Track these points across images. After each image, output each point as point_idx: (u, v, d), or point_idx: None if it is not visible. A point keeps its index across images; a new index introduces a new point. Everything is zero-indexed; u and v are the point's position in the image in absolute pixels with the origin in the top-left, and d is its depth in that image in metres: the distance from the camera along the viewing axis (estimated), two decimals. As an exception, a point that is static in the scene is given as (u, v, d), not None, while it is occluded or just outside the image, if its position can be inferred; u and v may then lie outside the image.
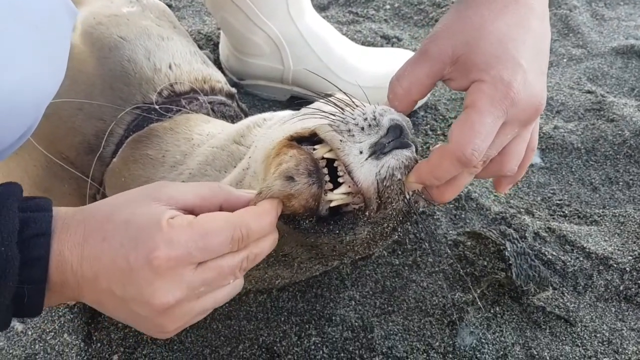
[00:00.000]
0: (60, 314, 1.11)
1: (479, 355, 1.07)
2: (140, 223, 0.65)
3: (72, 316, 1.12)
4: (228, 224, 0.67)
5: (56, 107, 1.06)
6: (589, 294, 1.15)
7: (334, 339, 1.10)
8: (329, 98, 0.83)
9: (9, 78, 0.64)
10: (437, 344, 1.08)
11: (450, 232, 1.23)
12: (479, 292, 1.13)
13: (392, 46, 1.71)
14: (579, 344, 1.09)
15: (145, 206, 0.67)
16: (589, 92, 1.58)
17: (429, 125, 1.46)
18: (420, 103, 1.49)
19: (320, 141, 0.76)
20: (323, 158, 0.75)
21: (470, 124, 0.70)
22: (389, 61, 1.49)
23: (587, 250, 1.20)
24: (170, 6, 1.81)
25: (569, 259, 1.19)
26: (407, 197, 0.79)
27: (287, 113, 0.92)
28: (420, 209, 0.91)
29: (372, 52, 1.53)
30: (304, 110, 0.85)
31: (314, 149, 0.76)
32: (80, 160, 1.07)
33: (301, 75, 1.49)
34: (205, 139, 1.02)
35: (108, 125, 1.06)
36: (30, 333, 1.09)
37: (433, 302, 1.13)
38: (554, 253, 1.19)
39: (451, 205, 1.28)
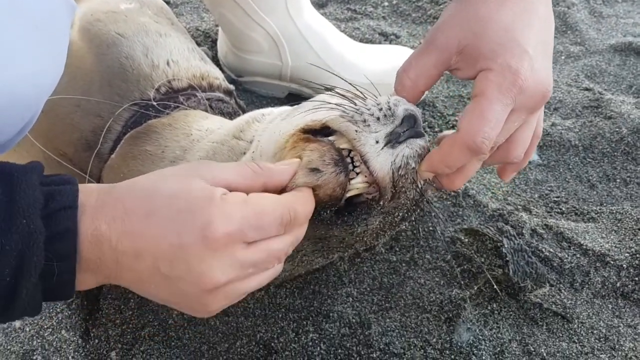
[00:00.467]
0: (58, 310, 1.12)
1: (475, 351, 1.07)
2: (190, 197, 0.63)
3: (69, 312, 1.12)
4: (280, 205, 0.67)
5: (54, 104, 1.06)
6: (585, 290, 1.15)
7: (332, 336, 1.10)
8: (336, 90, 0.83)
9: (8, 74, 0.63)
10: (434, 340, 1.09)
11: (448, 229, 1.23)
12: (476, 288, 1.13)
13: (390, 43, 1.71)
14: (576, 340, 1.09)
15: (192, 182, 0.65)
16: (586, 89, 1.58)
17: (427, 123, 1.46)
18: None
19: (331, 133, 0.77)
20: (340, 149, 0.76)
21: (480, 112, 0.71)
22: (387, 58, 1.49)
23: (584, 247, 1.20)
24: (168, 3, 1.81)
25: (566, 256, 1.19)
26: (420, 185, 0.80)
27: (286, 108, 0.93)
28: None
29: (370, 49, 1.53)
30: (306, 103, 0.85)
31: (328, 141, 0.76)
32: (78, 157, 1.07)
33: (299, 72, 1.49)
34: (205, 134, 1.03)
35: (106, 122, 1.06)
36: (28, 329, 1.09)
37: (430, 299, 1.14)
38: (551, 250, 1.19)
39: (449, 203, 1.28)
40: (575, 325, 1.11)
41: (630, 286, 1.16)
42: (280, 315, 1.13)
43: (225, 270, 0.64)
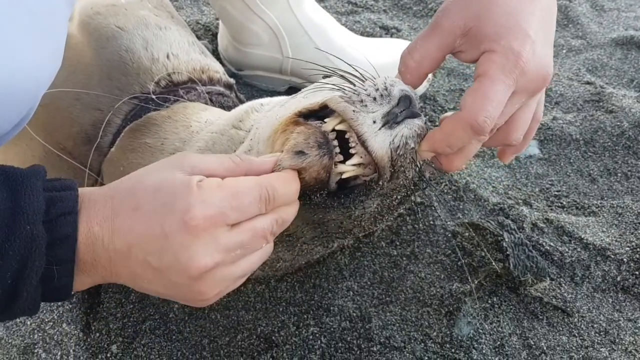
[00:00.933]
0: (59, 303, 1.12)
1: (476, 345, 1.07)
2: (170, 189, 0.65)
3: (70, 306, 1.12)
4: (256, 184, 0.68)
5: (54, 97, 1.05)
6: (586, 284, 1.15)
7: (332, 329, 1.10)
8: (336, 71, 0.84)
9: (4, 63, 0.63)
10: (435, 334, 1.09)
11: (449, 222, 1.23)
12: (476, 282, 1.13)
13: (391, 37, 1.70)
14: (576, 334, 1.10)
15: (171, 174, 0.67)
16: (588, 83, 1.58)
17: (427, 116, 1.46)
18: (418, 94, 1.49)
19: (327, 116, 0.77)
20: (333, 130, 0.76)
21: (483, 92, 0.72)
22: (388, 52, 1.48)
23: (585, 241, 1.20)
24: (168, -4, 1.80)
25: (567, 250, 1.19)
26: (419, 165, 0.81)
27: (285, 98, 0.93)
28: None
29: (371, 42, 1.52)
30: (305, 88, 0.85)
31: (323, 122, 0.76)
32: (78, 151, 1.07)
33: (300, 65, 1.49)
34: (204, 125, 1.02)
35: (105, 115, 1.06)
36: (29, 323, 1.09)
37: (431, 293, 1.14)
38: (551, 244, 1.19)
39: (449, 197, 1.28)
40: (576, 319, 1.11)
41: (630, 280, 1.16)
42: (281, 309, 1.13)
43: (210, 254, 0.65)
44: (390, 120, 0.76)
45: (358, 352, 1.07)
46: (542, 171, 1.36)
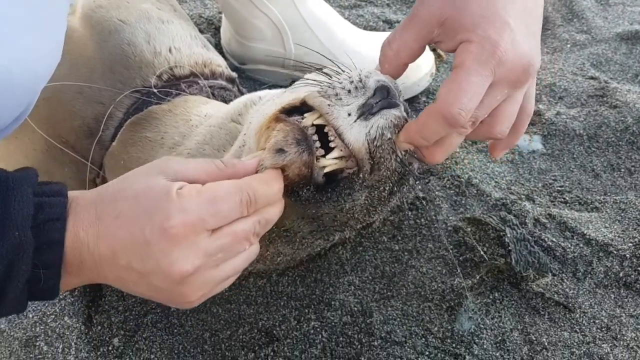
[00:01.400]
0: (61, 297, 1.12)
1: (477, 340, 1.07)
2: (150, 196, 0.66)
3: (72, 299, 1.12)
4: (235, 188, 0.68)
5: (56, 91, 1.05)
6: (588, 280, 1.15)
7: (333, 324, 1.10)
8: (321, 69, 0.84)
9: (3, 54, 0.63)
10: (436, 329, 1.09)
11: (451, 218, 1.23)
12: (478, 277, 1.13)
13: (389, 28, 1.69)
14: (578, 330, 1.09)
15: (153, 180, 0.68)
16: (592, 78, 1.57)
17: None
18: (421, 88, 1.48)
19: (309, 110, 0.77)
20: (313, 125, 0.76)
21: (458, 83, 0.70)
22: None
23: (588, 236, 1.20)
24: (171, -11, 1.80)
25: (569, 246, 1.18)
26: (400, 156, 0.80)
27: (280, 91, 0.93)
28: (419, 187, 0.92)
29: (374, 36, 1.52)
30: (296, 83, 0.86)
31: (303, 118, 0.77)
32: (80, 144, 1.07)
33: (302, 59, 1.48)
34: (204, 119, 1.02)
35: (107, 109, 1.06)
36: (31, 316, 1.10)
37: (432, 288, 1.14)
38: (554, 239, 1.19)
39: (452, 192, 1.28)
40: (577, 315, 1.11)
41: (633, 276, 1.15)
42: (282, 303, 1.13)
43: (190, 260, 0.65)
44: (365, 112, 0.76)
45: (359, 347, 1.07)
46: (545, 166, 1.36)
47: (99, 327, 1.10)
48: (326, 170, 0.77)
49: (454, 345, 1.07)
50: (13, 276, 0.62)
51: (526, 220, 1.21)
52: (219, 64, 1.22)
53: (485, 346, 1.06)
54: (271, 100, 0.88)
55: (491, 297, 1.13)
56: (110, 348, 1.08)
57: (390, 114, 0.77)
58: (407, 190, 0.99)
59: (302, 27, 1.45)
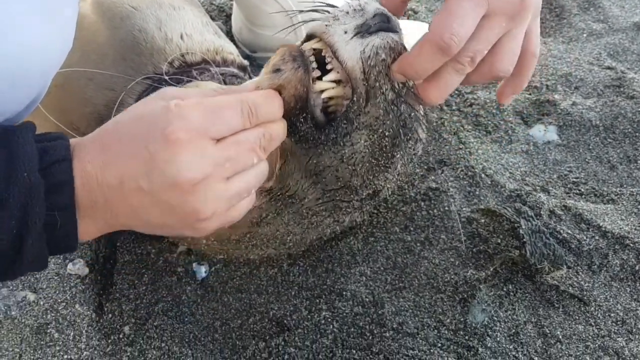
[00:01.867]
0: (72, 284, 1.12)
1: (490, 332, 1.06)
2: (150, 114, 0.67)
3: (83, 287, 1.12)
4: (235, 99, 0.69)
5: (67, 77, 1.05)
6: (603, 273, 1.13)
7: (345, 314, 1.09)
8: (315, 6, 0.86)
9: (14, 40, 0.63)
10: (448, 320, 1.08)
11: (464, 209, 1.21)
12: (491, 269, 1.12)
13: (407, 19, 1.67)
14: (593, 323, 1.08)
15: (152, 103, 0.69)
16: (608, 68, 1.54)
17: (444, 101, 1.44)
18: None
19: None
20: (312, 50, 0.78)
21: (448, 10, 0.70)
22: (405, 34, 1.46)
23: (603, 229, 1.18)
24: (182, -24, 1.78)
25: (585, 238, 1.17)
26: (397, 87, 0.80)
27: None
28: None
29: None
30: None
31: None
32: (91, 131, 1.06)
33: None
34: None
35: (119, 96, 1.05)
36: (42, 303, 1.10)
37: (445, 279, 1.12)
38: (569, 231, 1.17)
39: (465, 182, 1.26)
40: (592, 308, 1.09)
41: (649, 269, 1.14)
42: (293, 293, 1.13)
43: (196, 165, 0.65)
44: (362, 31, 0.76)
45: (370, 338, 1.06)
46: (561, 157, 1.34)
47: (110, 315, 1.10)
48: (323, 96, 0.78)
49: (466, 337, 1.06)
50: (29, 219, 0.62)
51: (541, 212, 1.19)
52: (231, 51, 1.21)
53: (498, 339, 1.05)
54: None
55: (505, 289, 1.11)
56: (121, 336, 1.07)
57: (387, 36, 0.77)
58: (413, 149, 0.98)
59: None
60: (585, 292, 1.11)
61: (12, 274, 0.66)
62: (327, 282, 1.14)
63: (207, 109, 0.67)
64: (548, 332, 1.06)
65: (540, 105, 1.43)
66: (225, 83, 1.14)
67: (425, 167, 1.29)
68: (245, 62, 1.23)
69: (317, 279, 1.14)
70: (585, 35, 1.66)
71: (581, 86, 1.49)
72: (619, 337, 1.06)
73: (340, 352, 1.05)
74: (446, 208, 1.21)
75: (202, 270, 1.15)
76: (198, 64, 1.11)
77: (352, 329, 1.08)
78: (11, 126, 0.65)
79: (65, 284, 1.11)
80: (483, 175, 1.27)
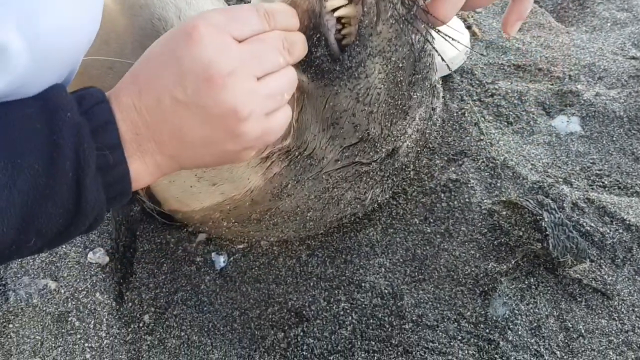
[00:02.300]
0: (93, 272, 1.12)
1: (511, 326, 1.05)
2: (171, 31, 0.70)
3: (104, 275, 1.13)
4: (251, 6, 0.72)
5: (87, 66, 1.04)
6: (627, 267, 1.12)
7: (363, 306, 1.09)
8: None
9: (46, 19, 0.63)
10: (469, 313, 1.07)
11: (485, 200, 1.20)
12: (513, 262, 1.10)
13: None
14: (616, 317, 1.06)
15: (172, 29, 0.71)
16: (633, 58, 1.51)
17: (464, 91, 1.42)
18: (455, 66, 1.44)
19: None
20: None
21: None
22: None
23: (627, 222, 1.16)
24: (199, -36, 1.77)
25: (608, 231, 1.15)
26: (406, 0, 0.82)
27: None
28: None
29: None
30: None
31: None
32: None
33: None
34: None
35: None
36: (63, 291, 1.10)
37: (465, 272, 1.11)
38: (592, 224, 1.15)
39: (486, 174, 1.24)
40: (616, 303, 1.08)
41: (674, 264, 1.12)
42: (311, 284, 1.12)
43: (224, 57, 0.67)
44: None
45: (390, 329, 1.06)
46: (584, 149, 1.31)
47: (130, 304, 1.10)
48: (336, 14, 0.80)
49: (487, 330, 1.05)
50: (82, 159, 0.62)
51: (564, 205, 1.17)
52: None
53: (519, 332, 1.04)
54: None
55: (526, 282, 1.10)
56: (141, 325, 1.08)
57: None
58: (431, 101, 1.00)
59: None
60: (608, 286, 1.09)
61: (74, 229, 0.66)
62: (346, 273, 1.13)
63: (225, 11, 0.70)
64: (570, 326, 1.05)
65: (562, 96, 1.41)
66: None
67: (446, 158, 1.28)
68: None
69: (336, 269, 1.14)
70: (609, 24, 1.63)
71: (605, 76, 1.46)
72: (642, 332, 1.05)
73: (359, 343, 1.05)
74: (467, 200, 1.20)
75: (220, 260, 1.15)
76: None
77: (371, 321, 1.07)
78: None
79: (85, 273, 1.12)
80: (504, 167, 1.25)
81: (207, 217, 1.09)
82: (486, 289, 1.09)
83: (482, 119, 1.35)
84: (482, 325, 1.05)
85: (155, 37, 1.06)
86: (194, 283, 1.12)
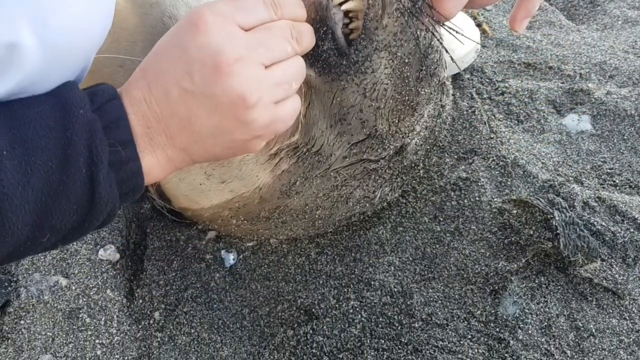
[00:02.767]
0: (104, 269, 1.13)
1: (522, 325, 1.04)
2: (178, 24, 0.70)
3: (114, 272, 1.13)
4: None
5: (98, 63, 1.04)
6: (639, 266, 1.11)
7: (373, 304, 1.09)
8: None
9: (61, 16, 0.63)
10: (479, 312, 1.07)
11: (495, 199, 1.19)
12: (523, 261, 1.10)
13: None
14: (627, 317, 1.06)
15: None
16: (644, 56, 1.50)
17: (475, 89, 1.41)
18: (466, 65, 1.44)
19: None
20: None
21: None
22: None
23: (639, 221, 1.15)
24: (209, -38, 1.77)
25: (619, 230, 1.14)
26: None
27: None
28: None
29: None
30: None
31: None
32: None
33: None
34: None
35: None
36: (74, 288, 1.11)
37: (475, 270, 1.11)
38: (603, 223, 1.14)
39: (497, 172, 1.24)
40: (627, 302, 1.07)
41: (686, 263, 1.11)
42: (321, 282, 1.12)
43: (230, 45, 0.67)
44: None
45: (399, 328, 1.06)
46: (594, 148, 1.31)
47: (141, 301, 1.11)
48: (343, 7, 0.81)
49: (497, 329, 1.04)
50: (95, 156, 0.63)
51: (575, 203, 1.16)
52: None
53: (530, 331, 1.04)
54: None
55: (537, 281, 1.09)
56: (151, 321, 1.08)
57: None
58: (440, 98, 1.00)
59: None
60: (619, 286, 1.08)
61: (88, 224, 0.67)
62: (355, 271, 1.13)
63: (232, 0, 0.70)
64: (581, 325, 1.05)
65: (573, 94, 1.40)
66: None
67: (456, 156, 1.27)
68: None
69: (345, 268, 1.14)
70: (620, 22, 1.62)
71: (616, 75, 1.45)
72: (654, 331, 1.04)
73: (368, 341, 1.05)
74: (477, 198, 1.20)
75: (230, 258, 1.15)
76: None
77: (381, 319, 1.07)
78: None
79: (96, 270, 1.13)
80: (515, 166, 1.24)
81: (216, 215, 1.09)
82: (496, 287, 1.08)
83: (493, 117, 1.35)
84: (492, 324, 1.05)
85: (166, 35, 1.08)
86: (204, 280, 1.13)
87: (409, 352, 1.03)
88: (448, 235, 1.16)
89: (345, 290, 1.11)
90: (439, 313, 1.07)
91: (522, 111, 1.37)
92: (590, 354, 1.02)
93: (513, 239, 1.13)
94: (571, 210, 1.13)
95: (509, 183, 1.22)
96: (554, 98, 1.40)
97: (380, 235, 1.18)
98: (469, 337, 1.04)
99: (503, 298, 1.07)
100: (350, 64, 0.84)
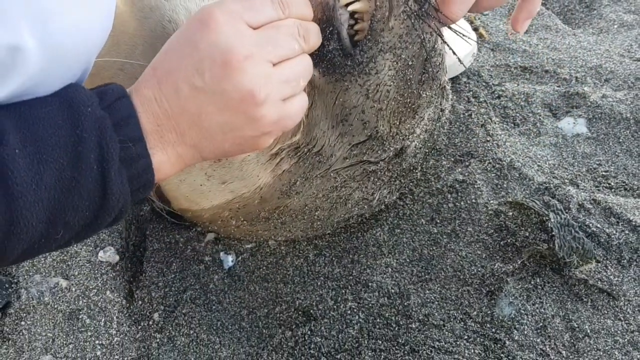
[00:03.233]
0: (103, 271, 1.14)
1: (517, 325, 1.05)
2: (187, 22, 0.71)
3: (114, 274, 1.14)
4: None
5: (98, 67, 1.06)
6: (633, 268, 1.12)
7: (370, 305, 1.10)
8: None
9: (61, 20, 0.64)
10: (475, 313, 1.08)
11: (492, 201, 1.20)
12: (519, 263, 1.11)
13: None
14: (622, 318, 1.07)
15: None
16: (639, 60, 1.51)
17: (471, 92, 1.42)
18: (462, 69, 1.45)
19: None
20: None
21: None
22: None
23: (634, 223, 1.16)
24: (208, -33, 1.79)
25: (614, 232, 1.15)
26: None
27: None
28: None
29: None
30: None
31: None
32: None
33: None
34: None
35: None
36: (74, 289, 1.12)
37: (472, 272, 1.12)
38: (598, 225, 1.16)
39: (493, 175, 1.25)
40: (622, 303, 1.08)
41: (680, 265, 1.12)
42: (319, 283, 1.13)
43: (239, 42, 0.68)
44: None
45: (396, 329, 1.07)
46: (590, 150, 1.32)
47: (140, 302, 1.12)
48: (349, 8, 0.81)
49: (493, 330, 1.05)
50: (106, 153, 0.64)
51: (570, 206, 1.18)
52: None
53: (525, 332, 1.05)
54: None
55: (532, 282, 1.10)
56: (150, 323, 1.09)
57: None
58: (440, 102, 1.01)
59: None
60: (614, 287, 1.09)
61: (101, 221, 0.68)
62: (353, 272, 1.14)
63: (240, 0, 0.71)
64: (576, 326, 1.06)
65: (569, 98, 1.42)
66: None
67: (452, 159, 1.28)
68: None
69: (343, 269, 1.15)
70: (616, 26, 1.63)
71: (611, 78, 1.47)
72: (648, 332, 1.05)
73: (366, 342, 1.06)
74: (473, 200, 1.21)
75: (228, 260, 1.16)
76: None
77: (378, 320, 1.08)
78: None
79: (96, 271, 1.14)
80: (511, 168, 1.26)
81: (216, 216, 1.10)
82: (492, 288, 1.09)
83: (489, 120, 1.36)
84: (488, 325, 1.06)
85: (165, 39, 1.08)
86: (203, 282, 1.14)
87: (406, 352, 1.04)
88: (445, 237, 1.18)
89: (343, 291, 1.12)
90: (436, 314, 1.08)
91: (518, 114, 1.38)
92: (585, 355, 1.03)
93: (509, 240, 1.14)
94: (566, 212, 1.14)
95: (505, 185, 1.23)
96: (550, 101, 1.41)
97: (377, 237, 1.19)
98: (466, 337, 1.05)
99: (499, 299, 1.08)
100: (355, 65, 0.85)
